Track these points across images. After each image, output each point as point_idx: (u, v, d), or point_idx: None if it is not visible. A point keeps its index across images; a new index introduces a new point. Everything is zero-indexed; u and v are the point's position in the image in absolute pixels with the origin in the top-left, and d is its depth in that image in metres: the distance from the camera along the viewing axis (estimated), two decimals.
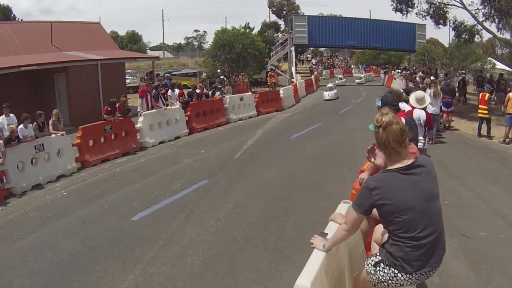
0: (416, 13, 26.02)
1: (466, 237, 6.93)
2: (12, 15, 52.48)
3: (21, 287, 6.06)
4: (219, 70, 30.18)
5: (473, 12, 23.49)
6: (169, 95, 17.84)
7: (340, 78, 48.29)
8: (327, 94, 31.17)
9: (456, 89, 23.22)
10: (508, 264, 6.01)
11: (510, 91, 15.34)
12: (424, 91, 12.85)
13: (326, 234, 3.63)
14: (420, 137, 7.91)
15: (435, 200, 3.25)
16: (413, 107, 8.23)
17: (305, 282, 3.08)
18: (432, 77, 20.60)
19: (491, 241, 6.84)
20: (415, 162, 3.23)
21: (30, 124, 11.53)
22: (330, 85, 33.47)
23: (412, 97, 8.54)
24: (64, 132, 12.78)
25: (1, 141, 10.66)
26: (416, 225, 3.12)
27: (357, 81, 49.68)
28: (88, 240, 7.51)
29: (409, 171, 3.19)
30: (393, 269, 3.23)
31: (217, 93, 21.03)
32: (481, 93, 16.32)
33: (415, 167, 3.21)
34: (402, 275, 3.20)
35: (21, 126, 11.28)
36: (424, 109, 8.50)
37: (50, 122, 12.43)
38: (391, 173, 3.22)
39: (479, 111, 15.67)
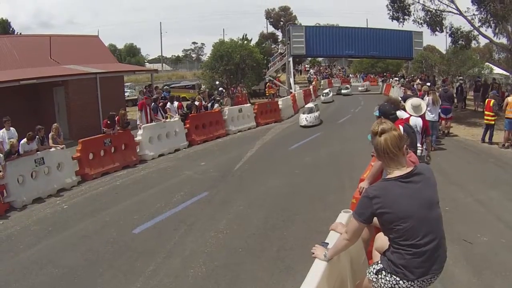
0: (413, 21, 26.09)
1: (467, 243, 6.93)
2: (11, 29, 52.67)
3: None
4: (217, 82, 30.28)
5: (469, 18, 23.61)
6: (168, 107, 17.89)
7: (326, 94, 39.14)
8: (304, 119, 22.76)
9: (455, 95, 23.29)
10: (510, 268, 6.00)
11: (508, 96, 15.36)
12: (422, 98, 12.88)
13: (327, 243, 3.63)
14: (418, 145, 7.93)
15: (435, 207, 3.26)
16: (410, 115, 8.26)
17: None
18: (428, 84, 20.67)
19: (493, 246, 6.85)
20: (415, 170, 3.24)
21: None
22: (310, 105, 25.48)
23: (408, 105, 8.57)
24: (64, 145, 12.80)
25: (1, 155, 10.68)
26: (416, 233, 3.13)
27: (340, 91, 45.98)
28: (89, 253, 7.51)
29: (408, 179, 3.21)
30: (395, 277, 3.23)
31: (216, 105, 21.07)
32: (486, 100, 16.33)
33: (414, 175, 3.23)
34: (404, 283, 3.20)
35: (23, 141, 11.29)
36: (421, 116, 8.52)
37: (50, 136, 12.45)
38: (390, 181, 3.23)
39: (485, 117, 15.66)
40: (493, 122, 15.39)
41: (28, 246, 8.01)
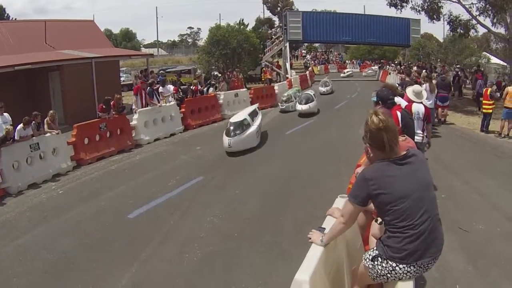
0: (411, 8, 25.95)
1: (463, 231, 6.93)
2: (6, 15, 52.17)
3: (19, 286, 6.03)
4: (213, 67, 30.11)
5: (467, 6, 23.47)
6: (161, 91, 17.72)
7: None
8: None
9: (451, 83, 23.29)
10: (506, 257, 6.03)
11: (508, 85, 15.31)
12: (420, 85, 12.84)
13: (324, 228, 3.62)
14: (419, 131, 7.94)
15: (430, 188, 3.33)
16: (411, 101, 8.25)
17: (303, 277, 3.07)
18: (425, 71, 20.62)
19: (489, 234, 6.86)
20: (409, 152, 3.30)
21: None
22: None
23: (409, 91, 8.55)
24: (59, 130, 12.71)
25: None
26: (414, 213, 3.15)
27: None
28: (85, 239, 7.49)
29: (404, 160, 3.26)
30: (391, 263, 3.23)
31: (211, 89, 20.97)
32: (484, 89, 16.30)
33: (409, 156, 3.28)
34: (400, 268, 3.20)
35: (20, 126, 11.20)
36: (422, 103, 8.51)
37: (45, 121, 12.35)
38: (386, 163, 3.26)
39: (483, 106, 15.63)
40: (490, 111, 15.38)
41: (24, 232, 7.99)
